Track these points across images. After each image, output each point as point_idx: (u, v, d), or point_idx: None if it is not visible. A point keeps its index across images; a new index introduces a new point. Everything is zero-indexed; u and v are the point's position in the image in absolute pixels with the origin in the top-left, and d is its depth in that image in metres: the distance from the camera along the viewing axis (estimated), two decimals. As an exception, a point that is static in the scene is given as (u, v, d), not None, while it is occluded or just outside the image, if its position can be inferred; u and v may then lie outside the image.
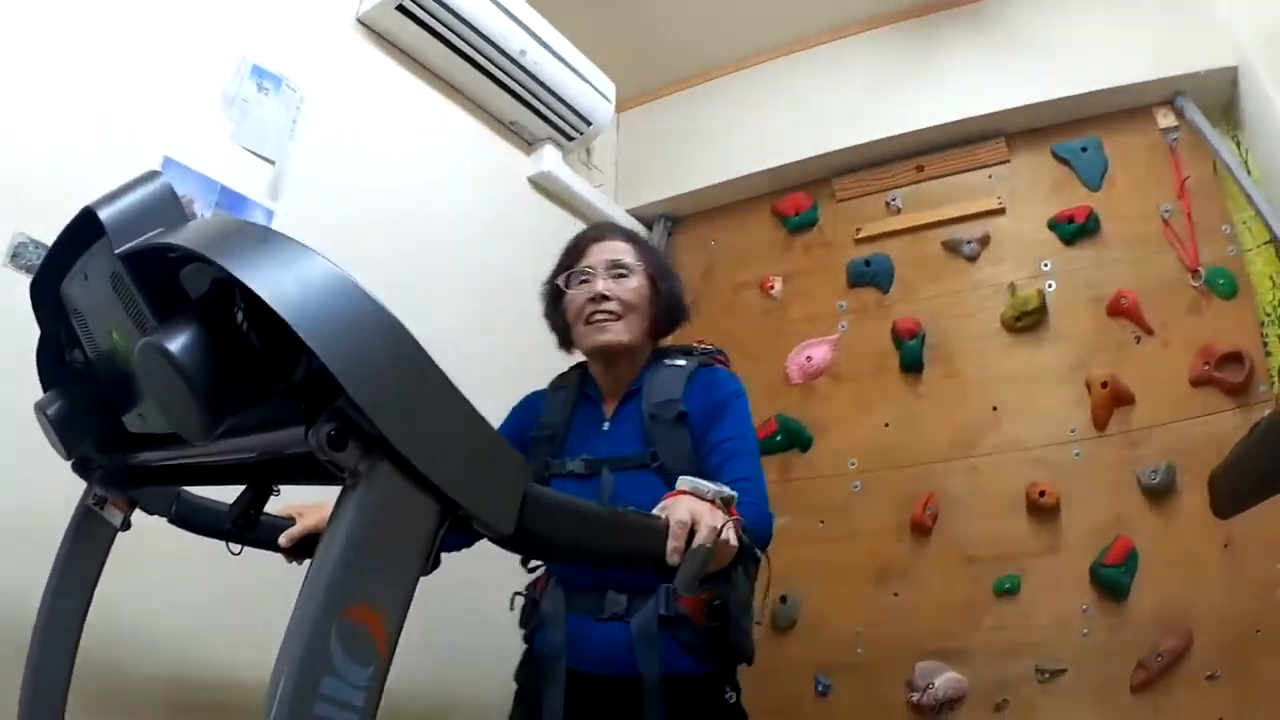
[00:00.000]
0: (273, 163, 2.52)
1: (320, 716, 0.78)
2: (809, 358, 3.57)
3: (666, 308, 2.25)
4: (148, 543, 1.64)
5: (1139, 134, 3.26)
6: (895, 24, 3.72)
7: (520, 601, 2.21)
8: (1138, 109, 3.28)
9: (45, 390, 1.39)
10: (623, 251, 2.23)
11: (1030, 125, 3.40)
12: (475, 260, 3.16)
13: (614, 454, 2.11)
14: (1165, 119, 3.21)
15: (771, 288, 3.76)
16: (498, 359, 2.77)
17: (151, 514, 1.70)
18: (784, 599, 3.32)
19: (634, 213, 4.04)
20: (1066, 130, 3.37)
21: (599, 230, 2.35)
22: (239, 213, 2.43)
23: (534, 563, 2.07)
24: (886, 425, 3.36)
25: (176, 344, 0.90)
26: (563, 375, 2.37)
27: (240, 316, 0.93)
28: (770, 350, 3.66)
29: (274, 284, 0.85)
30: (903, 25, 3.71)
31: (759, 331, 3.72)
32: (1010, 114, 3.35)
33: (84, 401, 1.35)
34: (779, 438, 3.52)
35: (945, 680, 2.97)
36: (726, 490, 1.45)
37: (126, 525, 1.57)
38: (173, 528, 1.75)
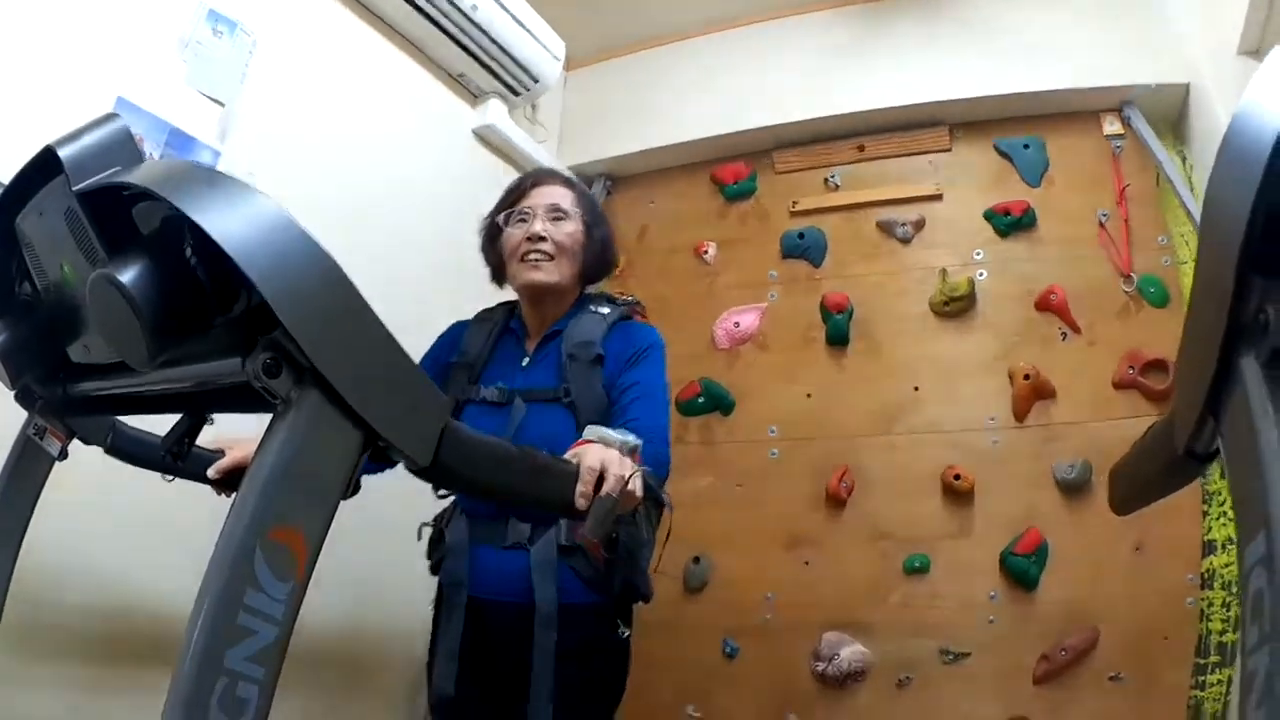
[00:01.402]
0: (222, 105, 2.45)
1: (242, 625, 0.80)
2: (737, 324, 3.50)
3: (598, 255, 2.28)
4: (83, 472, 1.63)
5: (1083, 138, 3.22)
6: (851, 5, 3.62)
7: (428, 533, 2.21)
8: (1085, 113, 3.24)
9: None
10: (561, 196, 2.26)
11: (974, 117, 3.34)
12: (417, 205, 3.10)
13: (529, 386, 2.14)
14: (1111, 126, 3.17)
15: (705, 252, 3.67)
16: (434, 300, 2.69)
17: (89, 444, 1.70)
18: (697, 560, 3.27)
19: (575, 169, 3.91)
20: (1010, 126, 3.31)
21: (540, 175, 2.38)
22: (186, 153, 2.38)
23: (443, 491, 2.09)
24: (809, 396, 3.30)
25: (127, 275, 0.92)
26: (489, 309, 2.40)
27: (189, 252, 0.95)
28: (700, 314, 3.59)
29: (220, 221, 0.87)
30: (858, 7, 3.62)
31: (690, 295, 3.64)
32: (955, 104, 3.29)
33: (30, 333, 1.35)
34: (701, 400, 3.45)
35: (850, 653, 2.94)
36: (633, 439, 1.49)
37: (64, 455, 1.57)
38: (114, 460, 1.74)
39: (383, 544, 2.64)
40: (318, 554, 0.89)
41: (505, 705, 2.03)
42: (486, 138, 3.49)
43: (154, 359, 0.96)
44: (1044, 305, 3.06)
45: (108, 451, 1.75)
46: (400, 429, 0.97)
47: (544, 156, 3.71)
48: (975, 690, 2.81)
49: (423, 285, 2.91)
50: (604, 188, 3.98)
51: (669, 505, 2.02)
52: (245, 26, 2.54)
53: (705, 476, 3.35)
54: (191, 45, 2.40)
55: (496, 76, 3.38)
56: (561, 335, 2.20)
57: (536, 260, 2.18)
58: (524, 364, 2.22)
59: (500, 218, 2.29)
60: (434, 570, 2.21)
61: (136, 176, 1.00)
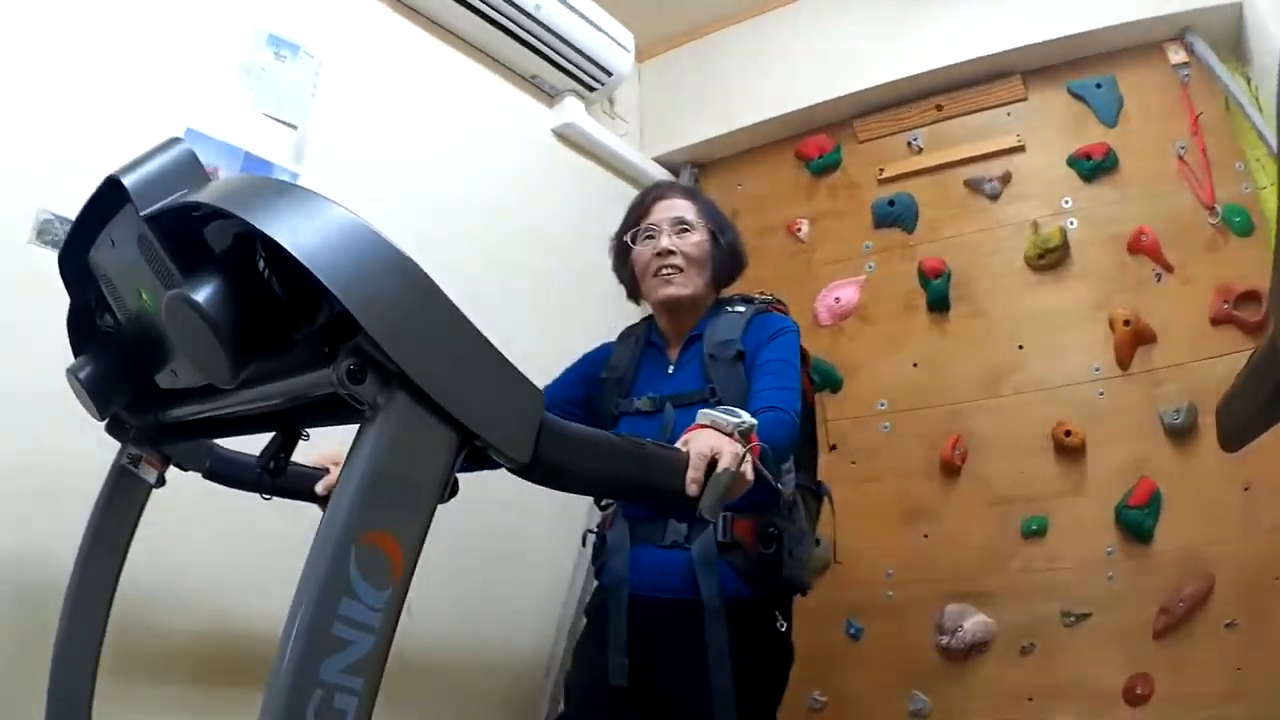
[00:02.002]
0: (295, 127, 2.79)
1: (338, 636, 0.90)
2: (837, 299, 3.84)
3: (727, 260, 2.61)
4: (182, 499, 1.83)
5: (1152, 70, 3.47)
6: None
7: (592, 540, 2.57)
8: (1149, 45, 3.47)
9: (76, 356, 1.54)
10: (684, 209, 2.58)
11: (1045, 63, 3.60)
12: (502, 212, 3.42)
13: (676, 391, 2.43)
14: (1176, 55, 3.39)
15: (798, 230, 4.03)
16: (527, 309, 3.01)
17: (186, 470, 1.88)
18: (817, 542, 3.43)
19: (660, 160, 4.34)
20: (1081, 67, 3.58)
21: (661, 189, 2.72)
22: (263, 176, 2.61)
23: (605, 500, 2.37)
24: (915, 365, 3.62)
25: (202, 294, 1.04)
26: (631, 326, 2.72)
27: (262, 265, 1.05)
28: (799, 293, 3.84)
29: (292, 232, 0.98)
30: None
31: (787, 274, 3.97)
32: (1025, 51, 3.55)
33: (115, 363, 1.51)
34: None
35: (973, 623, 3.22)
36: (747, 419, 1.62)
37: (161, 482, 1.75)
38: (208, 484, 1.94)
39: (502, 554, 2.98)
40: (416, 560, 0.99)
41: (653, 702, 2.30)
42: (567, 136, 3.85)
43: (236, 375, 1.08)
44: (1135, 247, 3.30)
45: (206, 476, 1.95)
46: (495, 427, 1.08)
47: (627, 150, 4.07)
48: (1097, 650, 3.04)
49: (516, 293, 3.20)
50: (691, 176, 4.35)
51: (828, 494, 2.45)
52: (308, 48, 2.85)
53: (820, 456, 3.54)
54: (254, 71, 2.72)
55: (569, 74, 3.74)
56: (702, 338, 2.49)
57: (669, 275, 2.51)
58: (669, 371, 2.53)
59: (628, 236, 2.63)
60: (597, 574, 2.53)
61: (204, 195, 1.13)
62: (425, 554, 0.98)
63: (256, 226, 0.99)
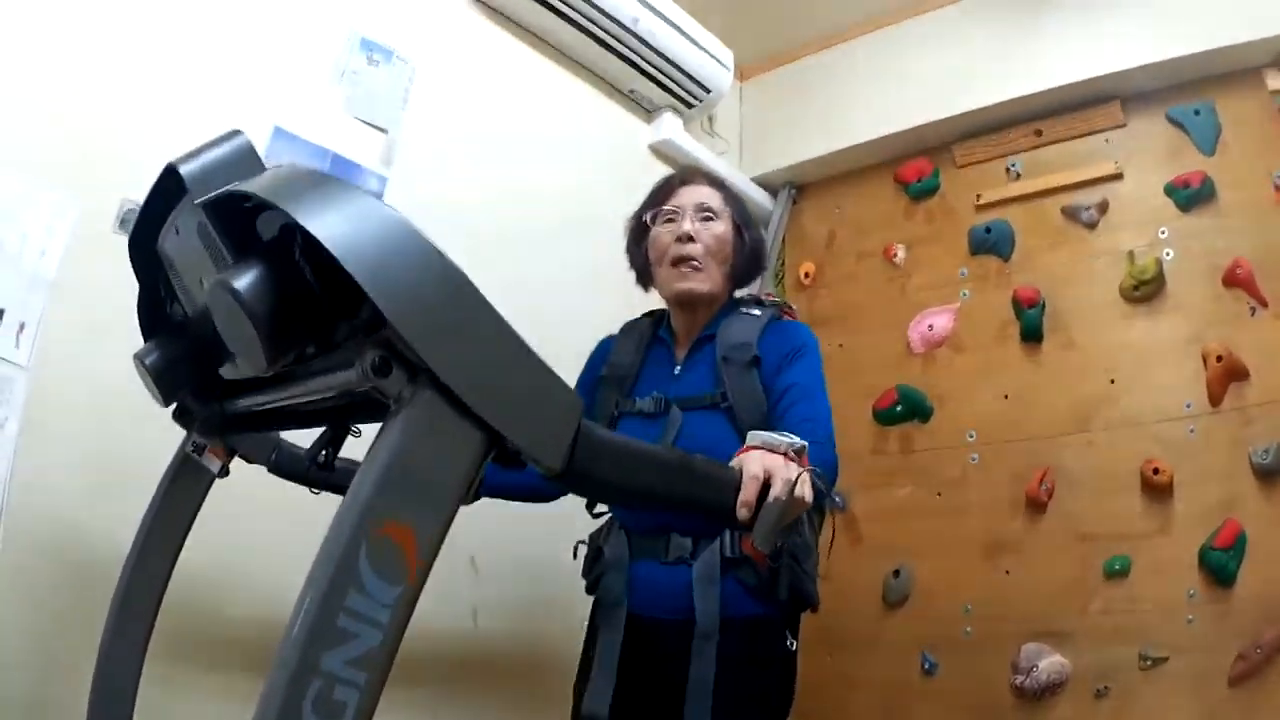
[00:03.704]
0: (385, 131, 2.94)
1: (343, 628, 0.94)
2: (930, 326, 3.97)
3: (748, 257, 2.64)
4: (241, 489, 1.95)
5: (1250, 97, 3.54)
6: None
7: (584, 551, 2.56)
8: (1247, 70, 3.54)
9: (145, 341, 1.63)
10: (709, 196, 2.60)
11: (1145, 87, 3.69)
12: (595, 225, 3.42)
13: (683, 393, 2.47)
14: (1274, 81, 3.45)
15: (895, 255, 4.16)
16: (618, 321, 3.00)
17: (252, 462, 2.02)
18: (896, 573, 3.70)
19: (758, 180, 4.51)
20: (1180, 93, 3.66)
21: (687, 173, 2.73)
22: (350, 178, 2.78)
23: (600, 508, 2.47)
24: (1006, 397, 3.73)
25: (241, 281, 1.10)
26: (634, 320, 2.78)
27: (298, 255, 1.11)
28: (893, 318, 4.07)
29: (325, 222, 1.03)
30: None
31: (881, 299, 4.15)
32: (1125, 75, 3.66)
33: (182, 352, 1.59)
34: (899, 408, 3.92)
35: (1049, 664, 3.30)
36: (799, 441, 1.65)
37: (225, 472, 1.86)
38: (272, 476, 2.08)
39: (538, 563, 3.09)
40: (432, 560, 1.02)
41: None
42: (664, 152, 4.04)
43: (272, 363, 1.13)
44: (1231, 280, 3.36)
45: (270, 470, 2.10)
46: (528, 431, 1.11)
47: (725, 168, 4.18)
48: (1172, 696, 3.10)
49: (606, 308, 3.16)
50: (789, 196, 4.54)
51: (841, 505, 2.48)
52: (401, 54, 3.01)
53: (905, 486, 3.81)
54: (347, 74, 2.87)
55: (667, 90, 3.93)
56: (713, 339, 2.50)
57: (688, 270, 2.53)
58: (676, 371, 2.56)
59: (647, 216, 2.64)
60: (590, 589, 2.56)
61: (251, 185, 1.17)
62: (491, 562, 1.11)
63: (292, 215, 1.06)
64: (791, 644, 2.37)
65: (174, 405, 1.75)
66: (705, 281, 2.55)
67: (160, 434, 1.86)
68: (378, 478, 0.99)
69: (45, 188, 2.25)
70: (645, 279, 2.73)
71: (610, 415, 2.55)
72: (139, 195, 1.65)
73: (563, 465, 1.17)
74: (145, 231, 1.52)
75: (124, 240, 1.60)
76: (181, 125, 2.36)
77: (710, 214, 2.58)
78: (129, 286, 1.66)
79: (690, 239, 2.53)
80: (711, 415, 2.40)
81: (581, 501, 2.43)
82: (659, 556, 2.38)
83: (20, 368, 2.17)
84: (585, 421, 1.21)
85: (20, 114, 2.25)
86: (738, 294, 2.73)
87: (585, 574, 2.58)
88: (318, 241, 1.01)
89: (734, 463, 1.56)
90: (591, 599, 2.55)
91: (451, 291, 1.07)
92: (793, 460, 1.60)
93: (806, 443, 1.67)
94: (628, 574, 2.42)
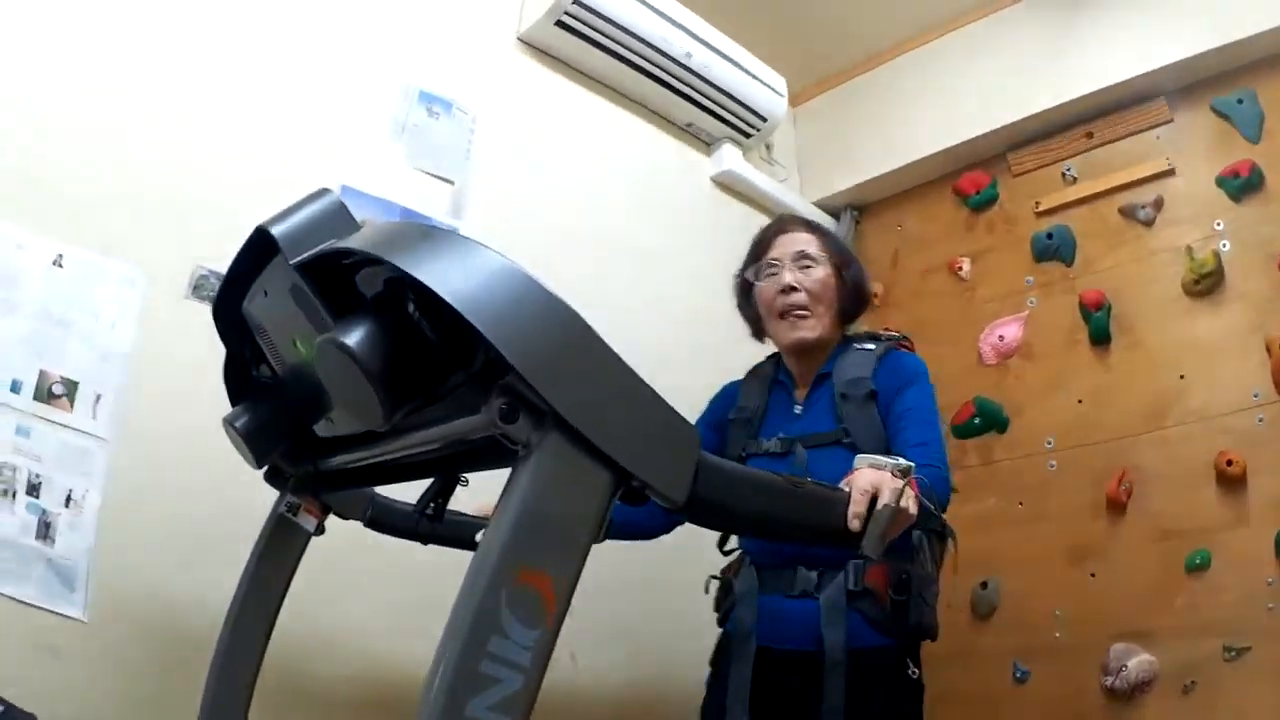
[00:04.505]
0: (451, 182, 3.08)
1: (486, 674, 0.97)
2: (1001, 337, 4.09)
3: (852, 295, 2.76)
4: (339, 547, 2.01)
5: None
6: None
7: (715, 586, 2.67)
8: None
9: (233, 405, 1.68)
10: (806, 242, 2.74)
11: (1187, 81, 3.83)
12: (664, 262, 3.70)
13: (806, 432, 2.59)
14: None
15: (960, 269, 4.29)
16: (692, 358, 3.22)
17: (347, 519, 2.05)
18: (985, 585, 3.80)
19: (819, 204, 4.63)
20: (1222, 83, 3.78)
21: (783, 222, 2.87)
22: None
23: (730, 545, 2.58)
24: (1080, 401, 3.84)
25: (353, 338, 1.14)
26: (758, 365, 2.90)
27: (412, 308, 1.16)
28: (963, 332, 4.20)
29: (440, 274, 1.08)
30: None
31: (950, 314, 4.28)
32: (1167, 71, 3.79)
33: (272, 413, 1.64)
34: (977, 420, 4.04)
35: (1137, 663, 3.38)
36: (904, 462, 1.70)
37: (320, 530, 1.90)
38: (367, 531, 2.13)
39: (659, 599, 3.19)
40: (569, 600, 1.07)
41: None
42: (726, 184, 4.19)
43: (390, 418, 1.18)
44: None
45: (367, 525, 2.13)
46: (651, 466, 1.15)
47: (786, 194, 4.38)
48: (1257, 684, 3.19)
49: (679, 338, 3.43)
50: (851, 218, 4.67)
51: (953, 535, 2.46)
52: (461, 104, 3.13)
53: (988, 498, 3.92)
54: (408, 128, 2.99)
55: (724, 121, 4.07)
56: (830, 377, 2.64)
57: (796, 319, 2.67)
58: (797, 412, 2.70)
59: (750, 273, 2.79)
60: (721, 622, 2.68)
61: (353, 242, 1.23)
62: (590, 602, 1.16)
63: (405, 270, 1.10)
64: (914, 672, 2.47)
65: (265, 467, 1.82)
66: (815, 328, 2.70)
67: (245, 497, 1.97)
68: (514, 525, 1.04)
69: (114, 259, 2.36)
70: (759, 332, 2.88)
71: (739, 456, 2.65)
72: (209, 260, 1.97)
73: (686, 497, 1.21)
74: (230, 295, 1.59)
75: (197, 306, 1.78)
76: (247, 189, 2.50)
77: (809, 260, 2.72)
78: (204, 353, 1.77)
79: (793, 289, 2.68)
80: (834, 451, 2.51)
81: (677, 542, 2.66)
82: (785, 590, 2.51)
83: (99, 439, 2.26)
84: (704, 454, 1.26)
85: (84, 187, 2.36)
86: (850, 330, 2.87)
87: (716, 608, 2.72)
88: (433, 294, 1.07)
89: (843, 483, 1.64)
90: (718, 632, 2.69)
91: (570, 334, 1.13)
92: (898, 478, 1.66)
93: (912, 463, 1.72)
94: (757, 606, 2.54)
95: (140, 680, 2.19)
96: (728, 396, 2.88)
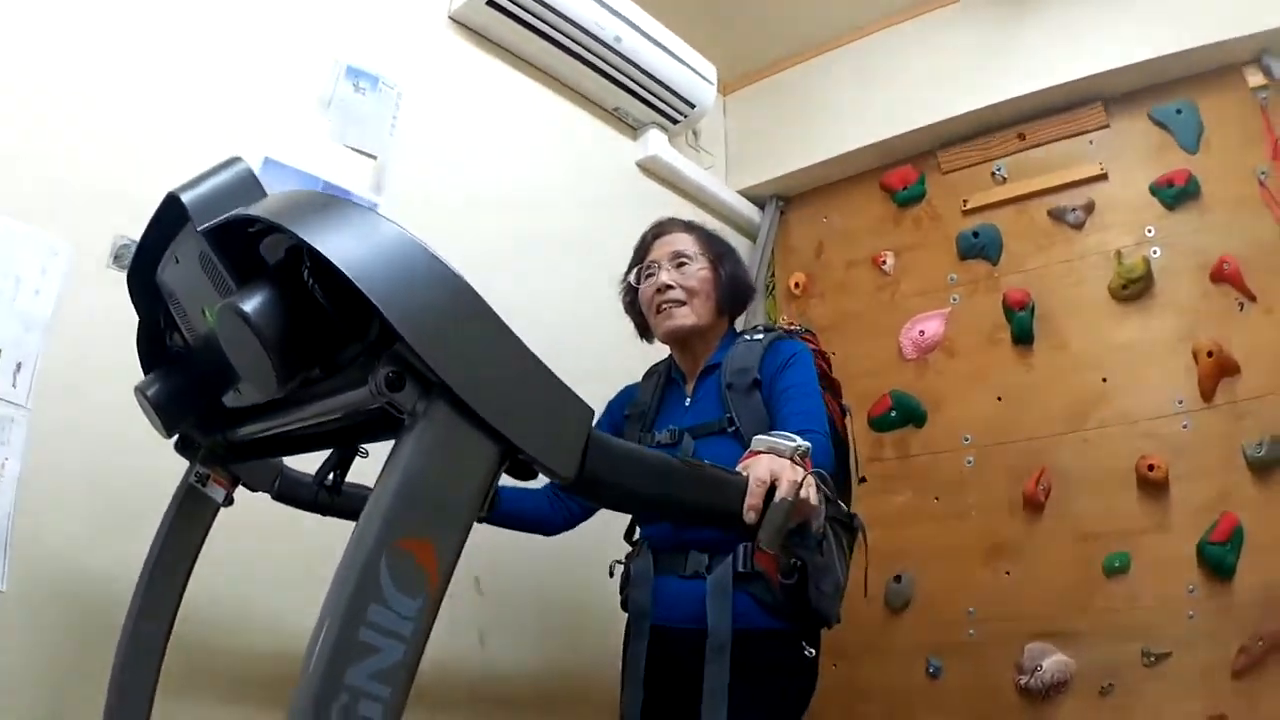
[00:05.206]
0: (374, 158, 3.03)
1: (365, 642, 0.96)
2: (922, 332, 4.07)
3: (729, 289, 2.78)
4: (248, 518, 1.99)
5: (1231, 94, 3.64)
6: None
7: (620, 570, 2.68)
8: (1227, 69, 3.64)
9: (145, 374, 1.67)
10: (683, 243, 2.79)
11: (1127, 88, 3.81)
12: (587, 245, 3.65)
13: (695, 422, 2.61)
14: (1254, 78, 3.55)
15: (884, 263, 4.26)
16: (611, 344, 3.19)
17: (255, 490, 2.04)
18: (898, 578, 3.80)
19: (745, 193, 4.63)
20: (1161, 92, 3.77)
21: (660, 226, 2.91)
22: None
23: (637, 535, 2.59)
24: (999, 399, 3.83)
25: (250, 304, 1.13)
26: (654, 365, 2.94)
27: (307, 275, 1.14)
28: (884, 326, 4.18)
29: (335, 242, 1.07)
30: None
31: (872, 307, 4.26)
32: (1107, 77, 3.77)
33: (183, 383, 1.62)
34: (894, 414, 4.03)
35: (1053, 663, 3.39)
36: (802, 443, 1.69)
37: (229, 501, 1.88)
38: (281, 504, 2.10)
39: (577, 582, 3.15)
40: (451, 570, 1.05)
41: None
42: (651, 169, 4.14)
43: (283, 385, 1.17)
44: (1218, 276, 3.45)
45: (275, 497, 2.12)
46: (540, 440, 1.14)
47: (711, 182, 4.36)
48: (1176, 691, 3.18)
49: (597, 327, 3.35)
50: (777, 209, 4.64)
51: (862, 528, 2.46)
52: (387, 80, 3.08)
53: (903, 492, 3.92)
54: (334, 103, 2.94)
55: (651, 106, 4.01)
56: (718, 368, 2.66)
57: (669, 309, 2.70)
58: (687, 404, 2.72)
59: (632, 277, 2.84)
60: (623, 605, 2.71)
61: (256, 209, 1.22)
62: (498, 582, 1.13)
63: (301, 237, 1.09)
64: (809, 652, 2.45)
65: (176, 436, 1.79)
66: (689, 315, 2.72)
67: (162, 466, 1.91)
68: (396, 492, 1.02)
69: (36, 227, 2.30)
70: (646, 333, 2.91)
71: None
72: (131, 231, 1.86)
73: (575, 473, 1.21)
74: (144, 263, 1.56)
75: (118, 276, 1.70)
76: (170, 160, 2.40)
77: (684, 258, 2.76)
78: (124, 323, 1.72)
79: (669, 287, 2.71)
80: (721, 440, 2.53)
81: (586, 528, 2.68)
82: (679, 572, 2.51)
83: (19, 407, 2.21)
84: (595, 431, 1.24)
85: (6, 155, 2.30)
86: (744, 324, 2.89)
87: (620, 591, 2.75)
88: (328, 261, 1.05)
89: (741, 467, 1.63)
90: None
91: (462, 305, 1.11)
92: (798, 464, 1.65)
93: (810, 444, 1.72)
94: (652, 588, 2.56)
95: (59, 648, 2.17)
96: (625, 396, 2.94)
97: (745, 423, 2.50)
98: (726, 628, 2.34)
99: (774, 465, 1.61)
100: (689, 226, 2.90)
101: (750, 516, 1.53)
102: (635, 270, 2.85)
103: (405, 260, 1.10)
